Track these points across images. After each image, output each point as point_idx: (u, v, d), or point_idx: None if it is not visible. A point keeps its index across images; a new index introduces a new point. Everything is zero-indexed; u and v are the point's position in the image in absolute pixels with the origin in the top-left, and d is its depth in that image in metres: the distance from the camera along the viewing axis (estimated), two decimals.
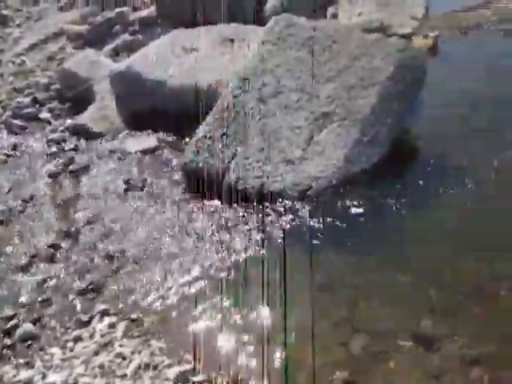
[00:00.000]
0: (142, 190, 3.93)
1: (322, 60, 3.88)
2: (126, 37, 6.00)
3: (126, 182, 4.00)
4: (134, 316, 2.82)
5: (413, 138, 4.02)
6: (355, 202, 3.47)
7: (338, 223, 3.36)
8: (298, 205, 3.46)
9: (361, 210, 3.43)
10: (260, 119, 3.79)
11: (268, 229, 3.37)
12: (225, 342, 2.62)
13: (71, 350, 2.60)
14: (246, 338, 2.64)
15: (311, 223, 3.35)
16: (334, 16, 6.06)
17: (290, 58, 3.95)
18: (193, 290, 2.97)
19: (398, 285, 2.90)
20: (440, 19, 5.52)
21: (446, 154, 3.73)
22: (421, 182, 3.58)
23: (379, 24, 5.35)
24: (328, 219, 3.38)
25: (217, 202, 3.65)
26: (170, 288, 2.99)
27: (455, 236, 3.15)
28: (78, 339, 2.67)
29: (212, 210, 3.62)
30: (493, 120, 3.98)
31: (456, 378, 2.37)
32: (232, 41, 4.93)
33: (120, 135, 4.68)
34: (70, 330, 2.77)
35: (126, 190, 3.93)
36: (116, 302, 2.95)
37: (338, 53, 3.88)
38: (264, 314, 2.78)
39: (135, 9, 6.78)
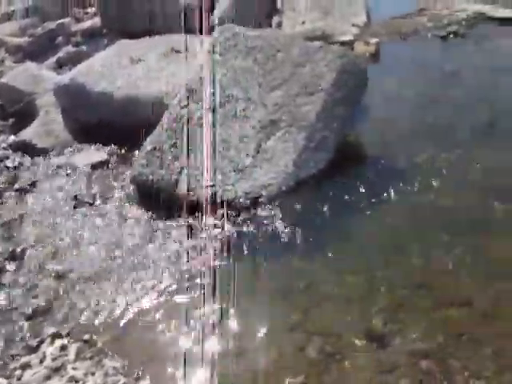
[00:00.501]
0: (92, 205, 3.84)
1: (267, 69, 3.94)
2: (69, 48, 5.86)
3: (75, 198, 3.90)
4: (86, 337, 2.74)
5: (358, 141, 4.15)
6: (305, 207, 3.55)
7: (289, 228, 3.41)
8: (249, 212, 3.48)
9: (311, 215, 3.51)
10: (208, 129, 3.80)
11: (220, 238, 3.37)
12: (179, 356, 2.60)
13: (19, 379, 2.50)
14: (199, 349, 2.63)
15: (263, 230, 3.39)
16: (279, 25, 6.20)
17: (235, 67, 3.99)
18: (146, 307, 2.93)
19: (349, 285, 2.98)
20: (381, 26, 5.74)
21: (389, 156, 3.87)
22: (367, 184, 3.69)
23: (322, 32, 5.53)
24: (279, 225, 3.43)
25: (169, 214, 3.62)
26: (122, 306, 2.93)
27: (400, 235, 3.28)
28: (26, 366, 2.57)
29: (165, 222, 3.59)
30: (433, 121, 4.17)
31: (407, 371, 2.46)
32: (179, 51, 4.93)
33: (67, 150, 4.56)
34: (17, 357, 2.65)
35: (74, 207, 3.83)
36: (67, 324, 2.86)
37: (282, 61, 3.96)
38: (218, 326, 2.78)
39: (77, 20, 6.64)
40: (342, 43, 5.33)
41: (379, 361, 2.53)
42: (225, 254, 3.24)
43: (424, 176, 3.64)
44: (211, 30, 4.69)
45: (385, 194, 3.59)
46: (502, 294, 2.76)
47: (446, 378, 2.38)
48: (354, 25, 5.68)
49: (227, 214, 3.49)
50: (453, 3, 5.92)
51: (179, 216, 3.58)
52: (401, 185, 3.62)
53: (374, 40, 5.31)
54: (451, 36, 5.19)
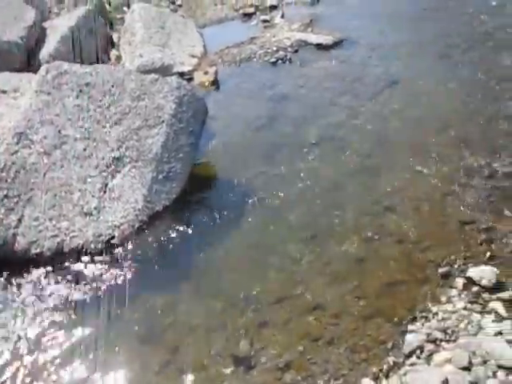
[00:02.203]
0: None
1: (103, 105, 3.81)
2: None
3: None
4: None
5: (207, 167, 4.22)
6: (161, 241, 3.48)
7: (148, 265, 3.31)
8: (102, 257, 3.29)
9: (168, 248, 3.45)
10: (45, 174, 3.52)
11: (73, 289, 3.12)
12: None
13: None
14: None
15: (119, 272, 3.22)
16: (118, 58, 6.08)
17: (68, 106, 3.77)
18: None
19: (214, 313, 2.98)
20: (217, 55, 5.99)
21: (237, 177, 4.01)
22: (221, 207, 3.77)
23: (161, 63, 5.56)
24: (137, 263, 3.30)
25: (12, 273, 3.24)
26: None
27: (257, 252, 3.40)
28: None
29: (7, 283, 3.20)
30: (271, 140, 4.44)
31: None
32: (4, 92, 4.50)
33: None
34: None
35: None
36: None
37: (119, 96, 3.86)
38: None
39: None
40: (182, 74, 5.43)
41: (247, 382, 2.57)
42: (82, 305, 3.01)
43: (272, 191, 3.85)
44: (38, 67, 4.37)
45: (238, 214, 3.71)
46: (346, 294, 3.01)
47: None
48: (191, 55, 5.83)
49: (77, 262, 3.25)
50: (279, 32, 6.45)
51: (23, 273, 3.23)
52: (252, 202, 3.78)
53: (212, 69, 5.50)
54: (280, 61, 5.64)
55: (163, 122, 3.77)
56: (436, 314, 2.76)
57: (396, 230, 3.41)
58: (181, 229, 3.62)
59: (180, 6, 7.56)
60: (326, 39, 6.06)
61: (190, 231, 3.61)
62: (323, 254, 3.32)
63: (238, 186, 3.97)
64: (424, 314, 2.79)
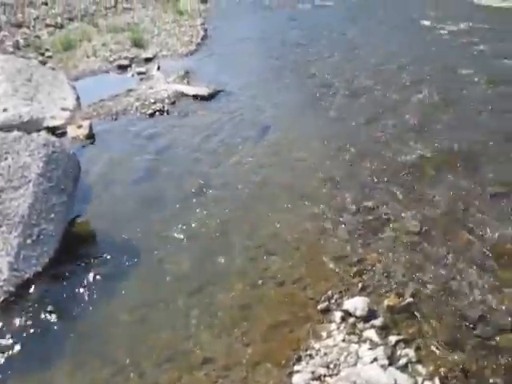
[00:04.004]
0: None
1: None
2: None
3: None
4: None
5: (83, 225, 4.01)
6: (34, 311, 3.17)
7: (18, 341, 2.98)
8: None
9: (42, 316, 3.16)
10: None
11: None
12: None
13: None
14: None
15: None
16: None
17: None
18: None
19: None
20: (92, 108, 5.83)
21: (118, 234, 3.87)
22: (101, 267, 3.58)
23: (29, 117, 5.25)
24: (5, 341, 2.96)
25: None
26: None
27: (143, 310, 3.26)
28: None
29: None
30: (154, 195, 4.37)
31: None
32: None
33: None
34: None
35: None
36: None
37: None
38: None
39: None
40: (54, 128, 5.18)
41: None
42: None
43: (154, 244, 3.77)
44: None
45: (120, 271, 3.56)
46: (234, 343, 3.01)
47: None
48: (63, 109, 5.60)
49: None
50: (156, 84, 6.53)
51: None
52: (134, 257, 3.66)
53: (86, 122, 5.33)
54: (157, 113, 5.68)
55: (30, 181, 3.54)
56: (319, 350, 2.88)
57: (278, 272, 3.53)
58: (56, 295, 3.35)
59: (50, 57, 7.30)
60: (202, 90, 6.28)
61: (67, 296, 3.36)
62: (210, 305, 3.30)
63: (118, 241, 3.82)
64: (308, 352, 2.89)
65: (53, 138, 3.88)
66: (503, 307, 3.12)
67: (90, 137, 5.19)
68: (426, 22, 8.58)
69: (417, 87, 6.14)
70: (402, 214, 4.02)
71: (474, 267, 3.45)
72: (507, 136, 5.05)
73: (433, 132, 5.18)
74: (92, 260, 3.68)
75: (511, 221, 3.88)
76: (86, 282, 3.47)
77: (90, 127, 5.29)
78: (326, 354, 2.84)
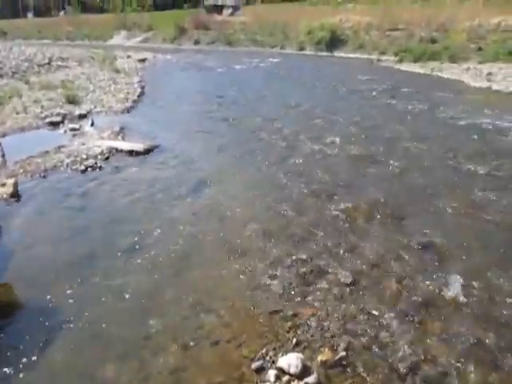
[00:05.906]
0: None
1: None
2: None
3: None
4: None
5: (6, 289, 3.72)
6: None
7: None
8: None
9: None
10: None
11: None
12: None
13: None
14: None
15: None
16: None
17: None
18: None
19: None
20: (18, 165, 5.61)
21: (43, 297, 3.61)
22: (25, 335, 3.30)
23: None
24: None
25: None
26: None
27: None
28: None
29: None
30: (82, 254, 4.18)
31: None
32: None
33: None
34: None
35: None
36: None
37: None
38: None
39: None
40: None
41: None
42: None
43: (83, 306, 3.55)
44: None
45: (45, 338, 3.29)
46: None
47: None
48: None
49: None
50: (89, 140, 6.43)
51: None
52: (61, 322, 3.42)
53: (11, 180, 5.10)
54: (89, 169, 5.55)
55: None
56: None
57: (212, 330, 3.42)
58: None
59: None
60: (137, 146, 6.26)
61: None
62: (142, 370, 3.10)
63: (43, 305, 3.57)
64: None
65: None
66: (430, 358, 3.19)
67: (15, 195, 4.94)
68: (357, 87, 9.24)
69: (345, 144, 6.50)
70: (335, 266, 4.10)
71: (403, 318, 3.54)
72: (429, 190, 5.42)
73: (361, 186, 5.45)
74: (14, 328, 3.40)
75: (435, 271, 4.06)
76: (6, 353, 3.16)
77: (15, 185, 5.06)
78: None
